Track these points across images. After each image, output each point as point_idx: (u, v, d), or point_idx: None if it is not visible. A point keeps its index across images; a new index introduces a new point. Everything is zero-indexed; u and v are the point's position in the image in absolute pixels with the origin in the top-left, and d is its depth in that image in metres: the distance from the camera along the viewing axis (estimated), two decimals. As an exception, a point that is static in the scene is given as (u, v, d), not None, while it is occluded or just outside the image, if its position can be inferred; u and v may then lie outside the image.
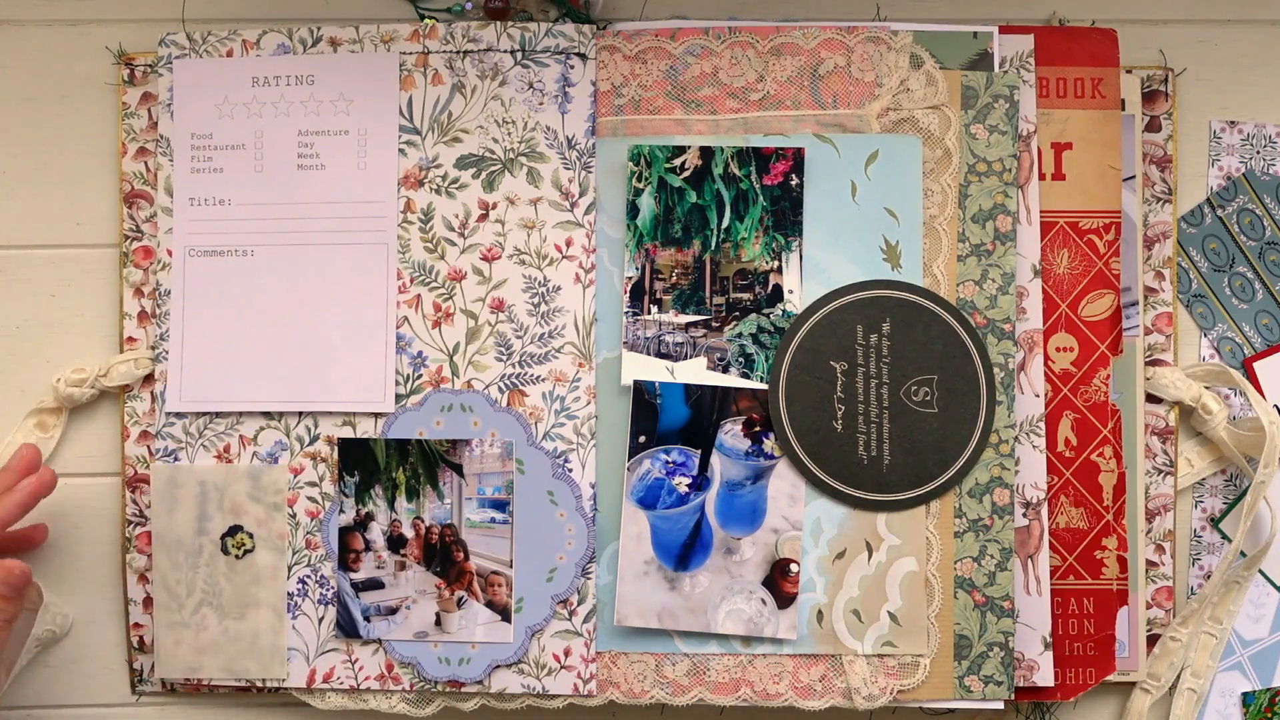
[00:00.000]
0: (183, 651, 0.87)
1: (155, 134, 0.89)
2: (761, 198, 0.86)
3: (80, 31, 0.90)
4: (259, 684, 0.87)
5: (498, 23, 0.88)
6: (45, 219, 0.90)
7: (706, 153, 0.86)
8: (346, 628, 0.87)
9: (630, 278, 0.87)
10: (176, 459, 0.87)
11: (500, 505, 0.86)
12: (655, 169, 0.86)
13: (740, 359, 0.86)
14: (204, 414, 0.88)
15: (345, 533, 0.87)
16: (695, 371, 0.86)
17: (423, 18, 0.89)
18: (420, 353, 0.87)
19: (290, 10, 0.90)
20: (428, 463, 0.87)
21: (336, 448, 0.87)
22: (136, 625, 0.89)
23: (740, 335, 0.86)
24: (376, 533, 0.87)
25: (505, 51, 0.87)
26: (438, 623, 0.86)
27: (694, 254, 0.86)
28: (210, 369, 0.87)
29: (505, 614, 0.86)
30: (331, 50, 0.88)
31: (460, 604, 0.86)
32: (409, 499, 0.87)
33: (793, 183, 0.86)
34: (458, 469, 0.86)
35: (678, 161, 0.86)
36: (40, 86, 0.90)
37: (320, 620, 0.87)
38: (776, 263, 0.86)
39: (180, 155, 0.88)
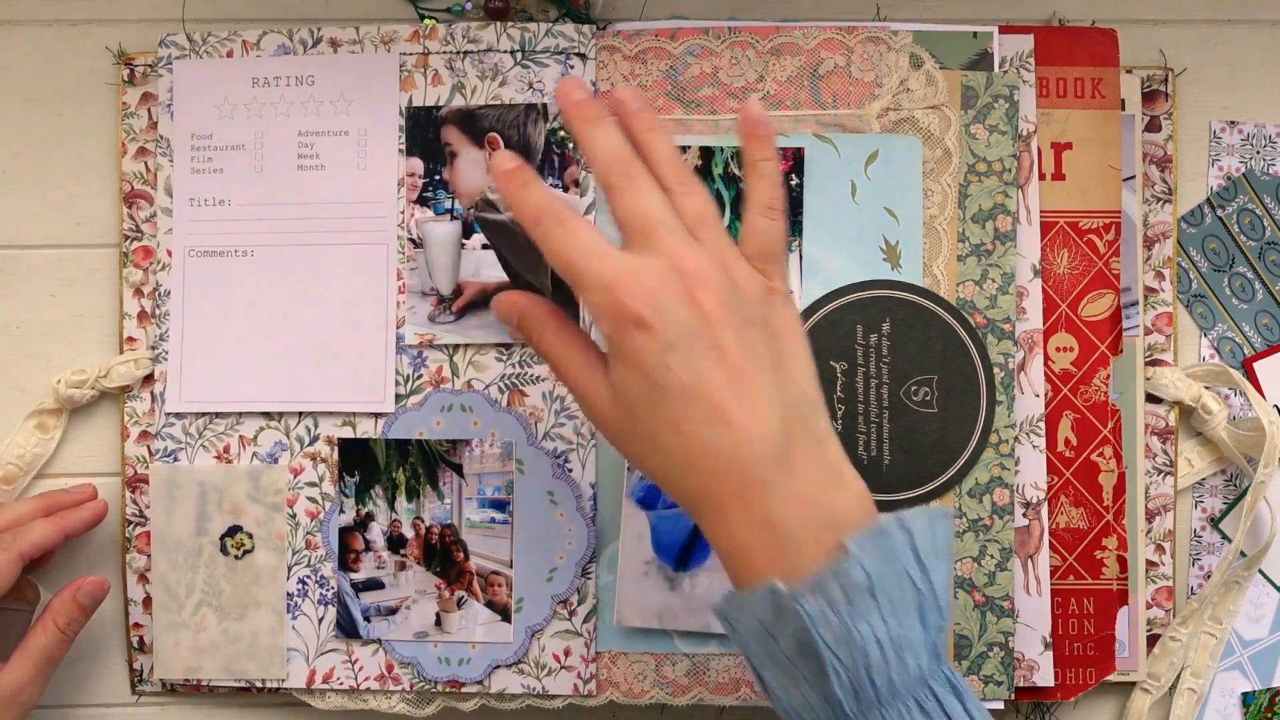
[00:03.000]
0: (182, 652, 0.87)
1: (155, 134, 0.89)
2: (761, 198, 0.86)
3: (80, 31, 0.90)
4: (259, 684, 0.87)
5: (497, 23, 0.88)
6: (45, 219, 0.90)
7: (706, 153, 0.86)
8: (346, 628, 0.87)
9: (630, 278, 0.86)
10: (176, 459, 0.87)
11: (500, 505, 0.86)
12: (655, 169, 0.86)
13: (740, 359, 0.85)
14: (204, 414, 0.88)
15: (345, 533, 0.87)
16: (695, 371, 0.86)
17: (423, 18, 0.89)
18: (420, 353, 0.87)
19: (290, 10, 0.90)
20: (428, 463, 0.87)
21: (336, 448, 0.87)
22: (136, 625, 0.89)
23: (740, 335, 0.86)
24: (376, 533, 0.87)
25: (505, 52, 0.87)
26: (438, 623, 0.86)
27: (694, 254, 0.86)
28: (210, 370, 0.87)
29: (505, 614, 0.86)
30: (332, 51, 0.88)
31: (460, 604, 0.86)
32: (409, 499, 0.87)
33: (792, 183, 0.86)
34: (458, 469, 0.86)
35: (677, 161, 0.86)
36: (40, 86, 0.90)
37: (320, 620, 0.87)
38: (776, 263, 0.86)
39: (180, 156, 0.88)
